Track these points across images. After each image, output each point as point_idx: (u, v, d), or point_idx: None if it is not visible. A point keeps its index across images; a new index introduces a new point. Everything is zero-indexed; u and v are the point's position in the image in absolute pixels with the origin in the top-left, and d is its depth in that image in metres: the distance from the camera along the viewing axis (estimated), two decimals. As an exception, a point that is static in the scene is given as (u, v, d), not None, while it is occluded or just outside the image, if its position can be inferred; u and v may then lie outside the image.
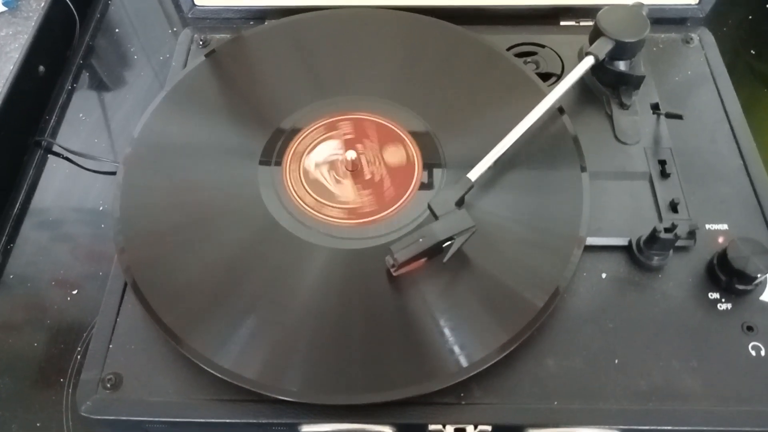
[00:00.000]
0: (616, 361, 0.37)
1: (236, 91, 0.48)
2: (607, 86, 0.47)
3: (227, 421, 0.35)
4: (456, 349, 0.36)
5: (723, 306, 0.38)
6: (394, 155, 0.44)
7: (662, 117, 0.45)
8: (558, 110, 0.45)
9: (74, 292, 0.46)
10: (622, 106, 0.46)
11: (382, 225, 0.41)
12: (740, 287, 0.38)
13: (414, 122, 0.46)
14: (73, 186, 0.52)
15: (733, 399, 0.35)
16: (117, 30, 0.62)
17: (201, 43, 0.52)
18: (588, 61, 0.44)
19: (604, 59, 0.44)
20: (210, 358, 0.35)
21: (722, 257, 0.38)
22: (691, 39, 0.51)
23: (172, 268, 0.39)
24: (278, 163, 0.44)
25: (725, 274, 0.38)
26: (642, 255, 0.39)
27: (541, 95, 0.43)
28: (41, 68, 0.56)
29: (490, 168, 0.41)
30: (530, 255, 0.39)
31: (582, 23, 0.54)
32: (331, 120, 0.46)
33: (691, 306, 0.38)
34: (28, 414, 0.41)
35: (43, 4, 0.58)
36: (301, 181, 0.43)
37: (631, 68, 0.46)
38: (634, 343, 0.37)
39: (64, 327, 0.44)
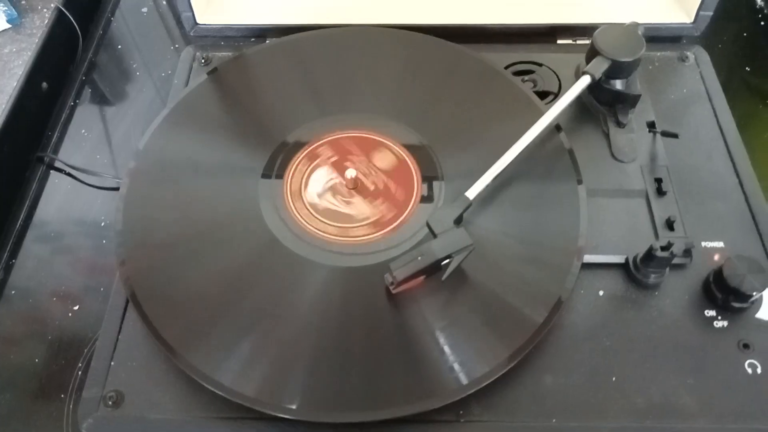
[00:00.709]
0: (614, 379, 0.37)
1: (238, 109, 0.49)
2: (604, 105, 0.47)
3: (228, 438, 0.36)
4: (455, 366, 0.36)
5: (719, 324, 0.39)
6: (393, 173, 0.45)
7: (658, 135, 0.46)
8: (555, 128, 0.45)
9: (75, 307, 0.46)
10: (619, 124, 0.47)
11: (381, 242, 0.41)
12: (736, 305, 0.38)
13: (413, 140, 0.46)
14: (75, 201, 0.52)
15: (729, 416, 0.36)
16: (119, 46, 0.63)
17: (203, 61, 0.53)
18: (585, 80, 0.45)
19: (600, 78, 0.45)
20: (210, 376, 0.35)
21: (718, 275, 0.39)
22: (687, 57, 0.52)
23: (173, 282, 0.40)
24: (279, 180, 0.44)
25: (721, 292, 0.39)
26: (639, 273, 0.40)
27: (539, 113, 0.43)
28: (44, 84, 0.56)
29: (488, 185, 0.41)
30: (528, 272, 0.40)
31: (579, 42, 0.54)
32: (331, 137, 0.47)
33: (687, 324, 0.39)
34: (29, 430, 0.41)
35: (46, 21, 0.59)
36: (302, 198, 0.44)
37: (627, 87, 0.47)
38: (631, 360, 0.38)
39: (65, 342, 0.45)
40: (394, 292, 0.38)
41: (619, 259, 0.41)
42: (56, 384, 0.43)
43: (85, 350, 0.44)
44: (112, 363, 0.38)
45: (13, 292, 0.47)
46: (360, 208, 0.43)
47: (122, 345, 0.39)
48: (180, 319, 0.38)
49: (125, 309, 0.40)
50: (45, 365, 0.44)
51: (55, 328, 0.45)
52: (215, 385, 0.35)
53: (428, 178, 0.44)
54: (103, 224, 0.50)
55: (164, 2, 0.65)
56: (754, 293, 0.37)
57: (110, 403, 0.36)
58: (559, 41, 0.55)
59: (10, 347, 0.45)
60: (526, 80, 0.50)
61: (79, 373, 0.43)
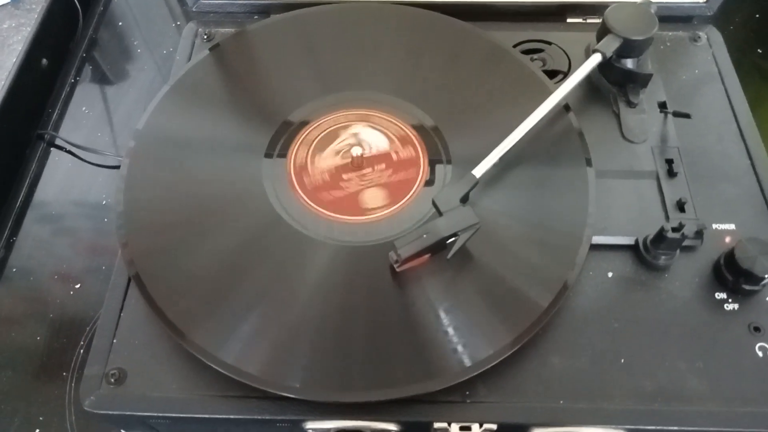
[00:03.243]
0: (622, 361, 0.36)
1: (240, 86, 0.48)
2: (615, 84, 0.46)
3: (231, 417, 0.35)
4: (461, 347, 0.35)
5: (730, 306, 0.38)
6: (399, 152, 0.44)
7: (670, 116, 0.45)
8: (564, 107, 0.44)
9: (77, 285, 0.46)
10: (630, 104, 0.46)
11: (386, 222, 0.41)
12: (747, 287, 0.38)
13: (420, 118, 0.45)
14: (76, 179, 0.52)
15: (739, 400, 0.35)
16: (120, 23, 0.62)
17: (205, 37, 0.52)
18: (595, 59, 0.44)
19: (611, 57, 0.44)
20: (214, 354, 0.35)
21: (729, 257, 0.38)
22: (699, 37, 0.51)
23: (176, 262, 0.39)
24: (282, 158, 0.44)
25: (732, 274, 0.38)
26: (648, 254, 0.39)
27: (548, 92, 0.43)
28: (44, 61, 0.56)
29: (495, 165, 0.40)
30: (536, 252, 0.39)
31: (589, 20, 0.53)
32: (336, 115, 0.46)
33: (697, 306, 0.38)
34: (31, 408, 0.41)
35: (46, -4, 0.58)
36: (306, 175, 0.43)
37: (638, 66, 0.46)
38: (639, 342, 0.37)
39: (66, 321, 0.44)
40: (398, 270, 0.37)
41: (628, 240, 0.40)
42: (58, 362, 0.43)
43: (87, 329, 0.44)
44: (115, 341, 0.37)
45: (14, 270, 0.47)
46: (357, 185, 0.43)
47: (125, 323, 0.38)
48: (183, 299, 0.37)
49: (127, 288, 0.40)
50: (47, 343, 0.43)
51: (57, 306, 0.45)
52: (219, 363, 0.35)
53: (435, 160, 0.43)
54: (104, 202, 0.50)
55: (166, -22, 0.64)
56: (766, 276, 0.37)
57: (113, 380, 0.36)
58: (569, 20, 0.54)
59: (12, 325, 0.45)
60: (535, 59, 0.49)
61: (81, 351, 0.43)
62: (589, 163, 0.42)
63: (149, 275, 0.38)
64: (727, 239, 0.40)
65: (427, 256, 0.38)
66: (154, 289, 0.37)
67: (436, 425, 0.35)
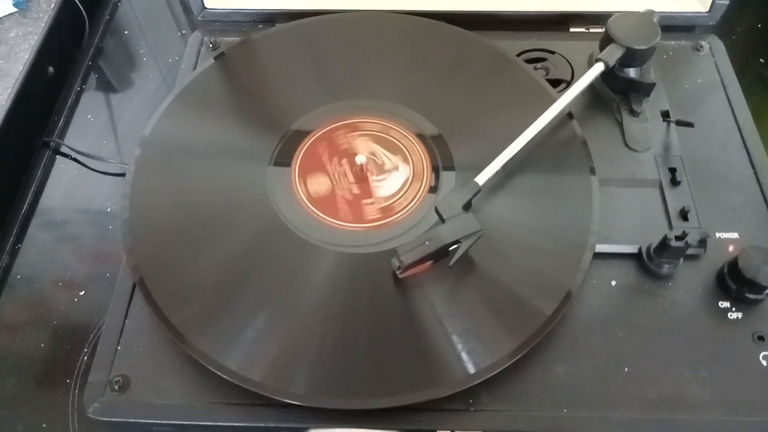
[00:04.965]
0: (626, 369, 0.36)
1: (246, 94, 0.48)
2: (618, 93, 0.47)
3: (234, 424, 0.35)
4: (464, 355, 0.35)
5: (733, 315, 0.38)
6: (403, 159, 0.44)
7: (672, 124, 0.45)
8: (567, 115, 0.44)
9: (81, 293, 0.46)
10: (633, 113, 0.46)
11: (390, 229, 0.41)
12: (751, 296, 0.38)
13: (424, 126, 0.45)
14: (81, 187, 0.52)
15: (743, 409, 0.35)
16: (126, 32, 0.63)
17: (211, 45, 0.52)
18: (598, 68, 0.44)
19: (614, 66, 0.44)
20: (218, 361, 0.35)
21: (733, 266, 0.38)
22: (701, 47, 0.51)
23: (181, 268, 0.39)
24: (287, 166, 0.44)
25: (736, 283, 0.38)
26: (652, 263, 0.39)
27: (551, 101, 0.43)
28: (50, 69, 0.56)
29: (498, 172, 0.40)
30: (539, 261, 0.39)
31: (592, 30, 0.54)
32: (340, 123, 0.46)
33: (701, 315, 0.38)
34: (34, 415, 0.41)
35: (52, 5, 0.59)
36: (309, 183, 0.43)
37: (641, 75, 0.46)
38: (643, 351, 0.37)
39: (70, 328, 0.44)
40: (401, 276, 0.37)
41: (631, 248, 0.40)
42: (62, 369, 0.42)
43: (91, 336, 0.44)
44: (119, 348, 0.37)
45: (18, 277, 0.47)
46: (361, 193, 0.43)
47: (129, 330, 0.38)
48: (188, 305, 0.38)
49: (132, 294, 0.40)
50: (50, 350, 0.43)
51: (61, 313, 0.45)
52: (222, 370, 0.35)
53: (438, 167, 0.44)
54: (108, 210, 0.50)
55: (172, -13, 0.65)
56: (770, 285, 0.37)
57: (116, 387, 0.36)
58: (572, 29, 0.54)
59: (15, 332, 0.44)
60: (539, 68, 0.50)
61: (85, 358, 0.43)
62: (592, 171, 0.42)
63: (154, 282, 0.38)
64: (731, 248, 0.40)
65: (429, 263, 0.38)
66: (159, 295, 0.38)
67: (439, 433, 0.35)
